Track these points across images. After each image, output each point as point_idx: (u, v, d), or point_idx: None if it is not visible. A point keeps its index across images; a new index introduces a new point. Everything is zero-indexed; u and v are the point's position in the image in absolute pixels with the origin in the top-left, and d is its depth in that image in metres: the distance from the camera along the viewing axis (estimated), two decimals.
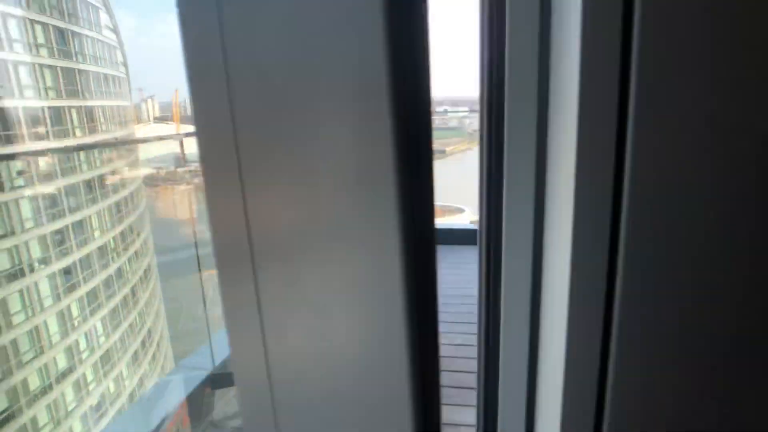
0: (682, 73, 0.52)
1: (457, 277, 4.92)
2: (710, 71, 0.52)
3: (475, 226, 6.14)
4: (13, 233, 19.36)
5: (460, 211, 39.81)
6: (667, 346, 0.56)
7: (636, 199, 0.55)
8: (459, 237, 6.20)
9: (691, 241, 0.53)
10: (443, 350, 3.75)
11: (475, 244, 5.92)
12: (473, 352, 2.90)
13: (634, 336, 0.57)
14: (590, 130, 0.57)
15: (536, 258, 1.28)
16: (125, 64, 30.48)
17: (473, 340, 3.69)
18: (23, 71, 20.19)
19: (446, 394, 3.27)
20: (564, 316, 0.64)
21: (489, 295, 1.59)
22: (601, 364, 0.60)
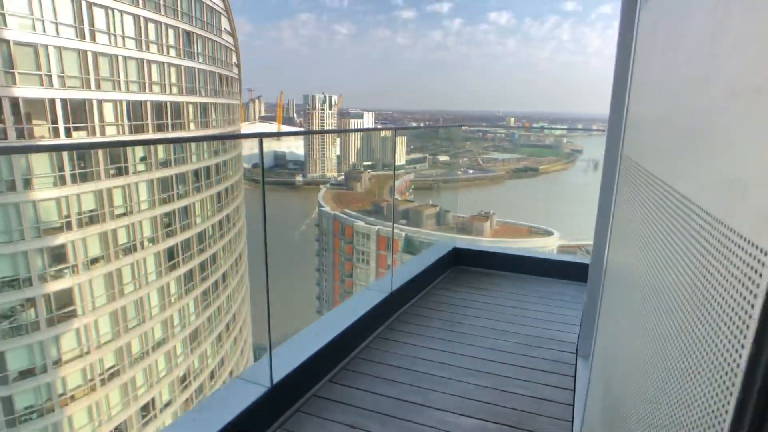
0: None
1: (546, 315, 4.41)
2: None
3: (581, 259, 5.47)
4: (131, 212, 21.60)
5: (549, 233, 38.03)
6: None
7: None
8: (549, 269, 5.44)
9: None
10: None
11: (574, 278, 5.39)
12: None
13: None
14: None
15: None
16: (239, 65, 32.90)
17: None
18: (155, 69, 22.50)
19: None
20: None
21: None
22: None
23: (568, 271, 5.38)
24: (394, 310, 4.23)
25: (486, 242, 37.17)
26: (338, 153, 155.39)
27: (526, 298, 4.83)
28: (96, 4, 18.88)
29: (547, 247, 37.13)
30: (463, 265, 5.67)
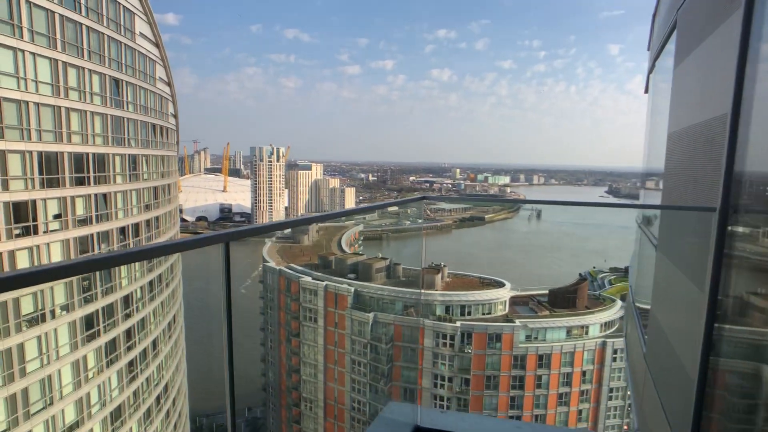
0: None
1: None
2: None
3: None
4: None
5: (500, 284, 38.18)
6: None
7: None
8: None
9: None
10: None
11: None
12: None
13: None
14: None
15: None
16: (176, 116, 31.43)
17: None
18: (74, 118, 20.66)
19: None
20: None
21: None
22: None
23: None
24: None
25: (449, 326, 36.54)
26: (287, 204, 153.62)
27: None
28: (3, 45, 17.09)
29: (500, 298, 37.12)
30: None
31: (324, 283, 38.30)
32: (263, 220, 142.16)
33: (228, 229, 1.97)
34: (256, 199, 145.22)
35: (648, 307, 5.02)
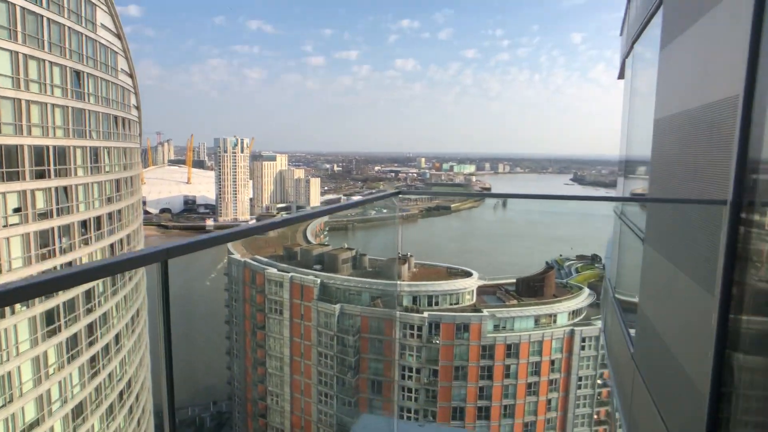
0: None
1: None
2: None
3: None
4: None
5: (468, 274, 38.86)
6: None
7: None
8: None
9: None
10: None
11: None
12: None
13: None
14: None
15: None
16: (139, 107, 30.79)
17: None
18: (35, 110, 20.15)
19: None
20: None
21: None
22: None
23: None
24: None
25: (405, 286, 37.07)
26: (251, 195, 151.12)
27: None
28: None
29: (467, 287, 37.67)
30: None
31: (290, 274, 38.30)
32: (228, 211, 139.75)
33: (165, 244, 1.70)
34: (220, 191, 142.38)
35: (634, 301, 4.71)
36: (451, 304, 36.94)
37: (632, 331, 4.68)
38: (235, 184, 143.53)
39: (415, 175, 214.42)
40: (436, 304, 36.76)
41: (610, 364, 6.34)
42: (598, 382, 36.11)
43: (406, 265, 38.86)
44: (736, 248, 2.15)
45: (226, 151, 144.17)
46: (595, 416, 37.26)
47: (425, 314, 35.76)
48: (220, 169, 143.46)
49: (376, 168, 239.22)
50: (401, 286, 36.65)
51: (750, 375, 2.21)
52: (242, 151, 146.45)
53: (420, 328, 35.51)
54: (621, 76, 7.55)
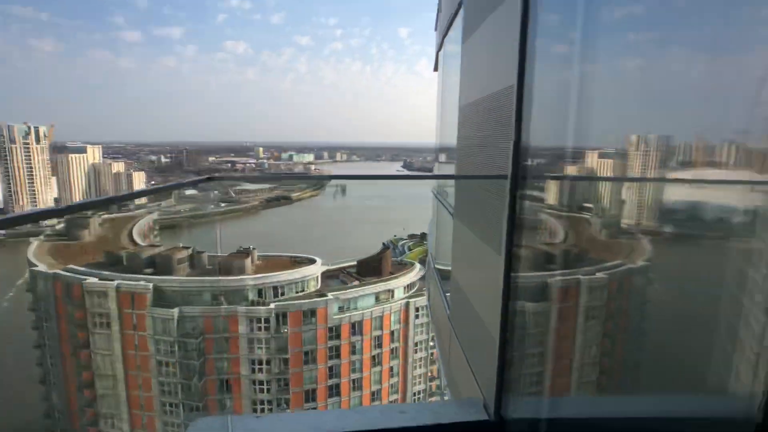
0: None
1: None
2: None
3: None
4: None
5: (312, 261, 39.06)
6: None
7: None
8: None
9: None
10: None
11: None
12: None
13: None
14: None
15: None
16: None
17: None
18: None
19: None
20: None
21: None
22: None
23: None
24: None
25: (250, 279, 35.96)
26: (56, 195, 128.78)
27: None
28: None
29: (312, 274, 38.11)
30: None
31: (115, 282, 33.98)
32: None
33: None
34: (11, 190, 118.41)
35: (448, 269, 5.22)
36: (297, 293, 37.34)
37: (448, 296, 5.31)
38: (32, 183, 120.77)
39: (254, 165, 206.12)
40: (283, 294, 36.74)
41: (435, 327, 7.08)
42: (431, 344, 40.40)
43: (249, 259, 37.72)
44: (515, 216, 2.64)
45: (14, 142, 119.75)
46: (429, 374, 41.50)
47: (272, 305, 35.51)
48: (7, 164, 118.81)
49: (211, 158, 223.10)
50: (245, 280, 35.70)
51: (523, 319, 2.71)
52: (38, 142, 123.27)
53: (267, 320, 35.25)
54: (436, 68, 8.13)
